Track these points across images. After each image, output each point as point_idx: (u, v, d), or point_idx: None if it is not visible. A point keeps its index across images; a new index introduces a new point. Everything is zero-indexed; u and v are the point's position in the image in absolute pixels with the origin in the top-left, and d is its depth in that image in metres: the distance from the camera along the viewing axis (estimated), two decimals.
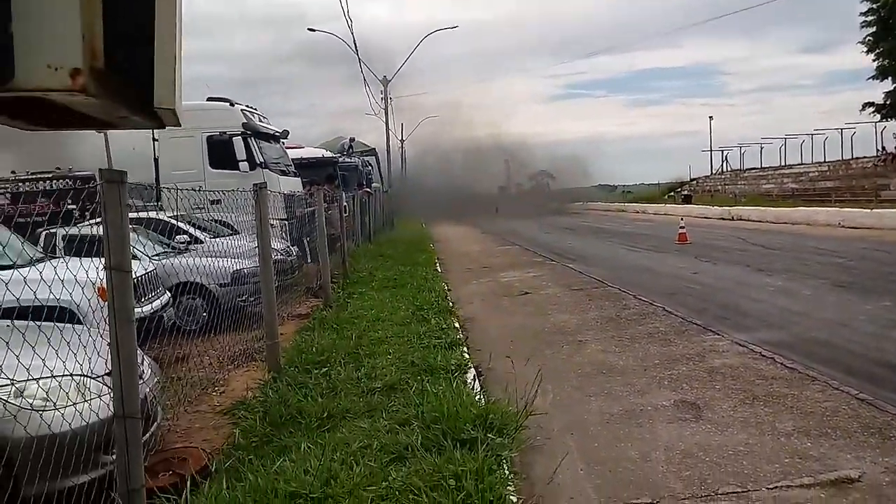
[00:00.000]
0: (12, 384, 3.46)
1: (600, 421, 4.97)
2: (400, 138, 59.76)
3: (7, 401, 3.42)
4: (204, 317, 8.16)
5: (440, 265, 14.92)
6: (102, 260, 5.32)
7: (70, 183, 21.85)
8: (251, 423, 4.64)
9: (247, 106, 15.54)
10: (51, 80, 1.02)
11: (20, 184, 21.56)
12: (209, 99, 15.19)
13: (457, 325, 7.71)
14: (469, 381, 5.34)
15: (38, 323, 3.85)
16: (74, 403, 3.68)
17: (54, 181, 21.76)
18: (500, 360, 6.42)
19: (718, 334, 7.33)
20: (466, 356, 6.18)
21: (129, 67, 1.16)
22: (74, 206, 22.84)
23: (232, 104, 14.85)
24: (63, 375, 3.58)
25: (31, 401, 3.52)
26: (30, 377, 3.46)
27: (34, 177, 21.94)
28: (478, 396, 4.72)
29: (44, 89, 1.03)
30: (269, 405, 4.79)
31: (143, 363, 4.52)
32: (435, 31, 40.80)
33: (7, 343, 3.29)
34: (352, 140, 30.87)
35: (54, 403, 3.59)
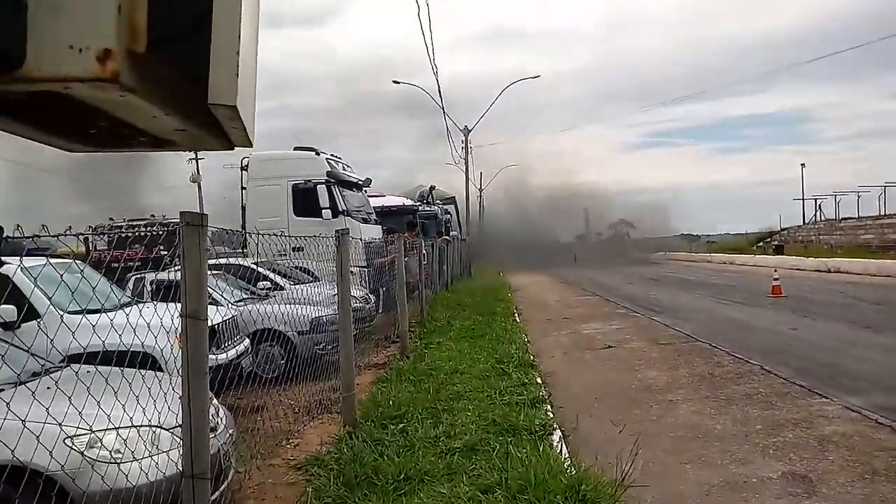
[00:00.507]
0: (91, 432, 3.39)
1: (699, 493, 4.52)
2: (478, 187, 60.13)
3: (82, 452, 3.34)
4: (281, 364, 8.13)
5: (519, 315, 14.57)
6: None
7: (163, 231, 22.98)
8: (324, 481, 4.43)
9: (331, 155, 15.89)
10: (72, 65, 0.74)
11: (117, 230, 22.78)
12: (296, 148, 15.63)
13: (539, 380, 7.35)
14: (555, 443, 4.98)
15: (120, 369, 3.80)
16: (147, 456, 3.58)
17: (147, 228, 22.92)
18: (585, 419, 6.03)
19: (826, 397, 6.69)
20: (551, 415, 5.81)
21: (179, 52, 0.88)
22: (165, 252, 23.82)
23: (317, 153, 15.21)
24: (137, 426, 3.48)
25: (104, 452, 3.43)
26: (108, 426, 3.38)
27: (130, 224, 23.18)
28: (566, 463, 4.36)
29: (62, 78, 0.74)
30: (344, 463, 4.58)
31: (217, 414, 4.41)
32: (516, 81, 41.32)
33: (88, 389, 3.22)
34: (432, 188, 31.17)
35: (132, 454, 3.50)
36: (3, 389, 3.38)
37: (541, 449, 4.57)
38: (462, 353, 8.96)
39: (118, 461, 3.44)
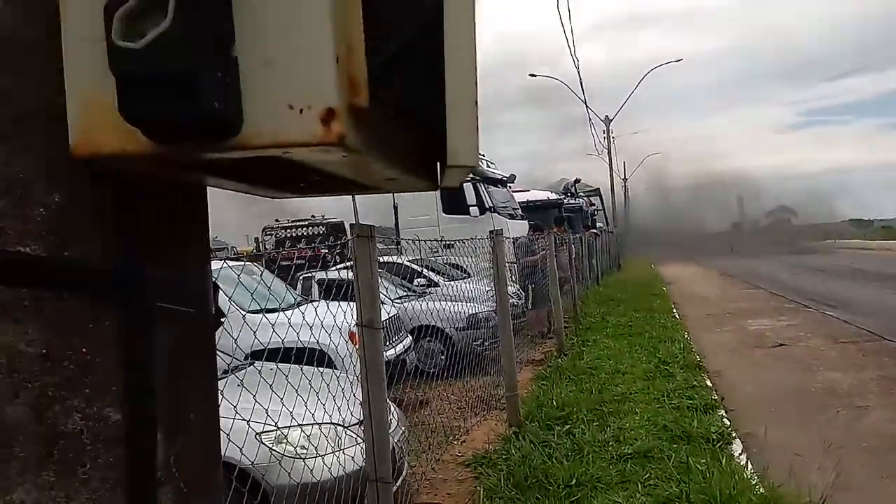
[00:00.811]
0: (277, 429, 3.60)
1: None
2: (623, 177, 58.34)
3: (272, 448, 3.56)
4: (442, 360, 8.31)
5: (677, 310, 13.93)
6: (352, 304, 5.60)
7: (323, 230, 24.30)
8: (494, 481, 4.45)
9: None
10: (293, 129, 0.66)
11: (283, 230, 24.39)
12: None
13: (708, 382, 6.96)
14: (736, 453, 4.68)
15: (300, 366, 4.01)
16: (331, 453, 3.75)
17: (310, 227, 24.34)
18: (763, 426, 5.63)
19: None
20: (727, 422, 5.48)
21: (406, 104, 0.81)
22: (327, 251, 25.22)
23: None
24: (319, 423, 3.67)
25: (291, 447, 3.63)
26: (293, 423, 3.58)
27: (293, 224, 24.71)
28: (753, 478, 4.08)
29: (283, 144, 0.67)
30: (513, 464, 4.58)
31: (389, 411, 4.56)
32: (658, 66, 39.62)
33: (270, 386, 3.43)
34: (576, 181, 30.65)
35: (315, 450, 3.69)
36: None
37: (722, 461, 4.31)
38: (621, 351, 8.70)
39: (304, 457, 3.63)
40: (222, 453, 3.20)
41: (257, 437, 3.55)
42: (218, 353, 3.32)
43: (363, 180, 0.92)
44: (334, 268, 12.43)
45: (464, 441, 5.59)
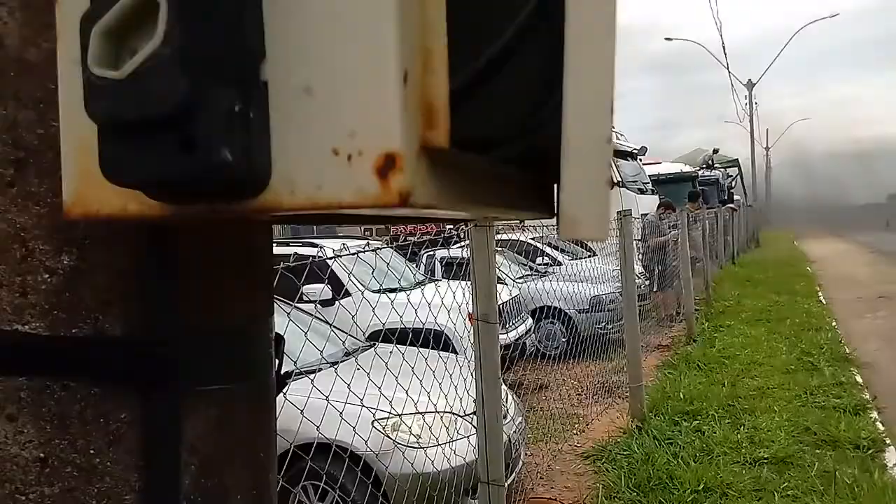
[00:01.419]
0: (389, 417, 3.60)
1: None
2: (765, 146, 54.48)
3: (387, 435, 3.57)
4: (563, 342, 8.12)
5: (823, 293, 12.85)
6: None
7: None
8: (614, 478, 4.27)
9: None
10: (336, 186, 0.44)
11: None
12: None
13: (858, 378, 6.32)
14: (890, 464, 4.20)
15: (418, 349, 3.98)
16: (449, 441, 3.72)
17: None
18: None
19: None
20: (880, 426, 4.94)
21: (505, 143, 0.54)
22: (453, 227, 25.74)
23: None
24: (437, 412, 3.64)
25: (406, 435, 3.63)
26: (409, 410, 3.57)
27: None
28: None
29: (323, 207, 0.44)
30: (635, 462, 4.37)
31: (506, 400, 4.47)
32: (810, 24, 36.39)
33: (391, 372, 3.41)
34: (715, 151, 28.93)
35: (435, 438, 3.67)
36: (321, 369, 3.74)
37: (874, 473, 3.88)
38: (758, 340, 8.11)
39: (420, 446, 3.62)
40: (336, 436, 3.25)
41: (373, 423, 3.58)
42: (336, 332, 3.34)
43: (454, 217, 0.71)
44: (457, 245, 12.43)
45: (583, 431, 5.43)
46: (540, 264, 10.54)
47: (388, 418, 3.62)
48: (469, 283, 5.47)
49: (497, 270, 9.61)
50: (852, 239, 29.80)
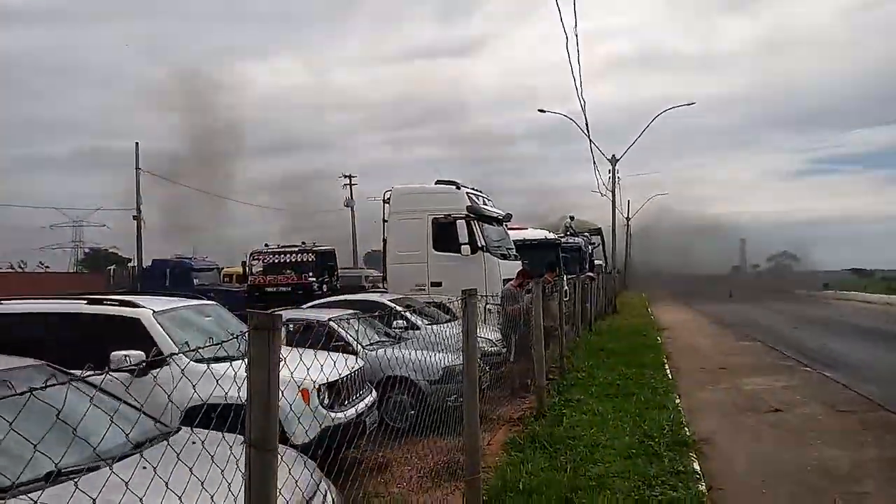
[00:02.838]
0: None
1: None
2: (626, 216, 57.96)
3: None
4: (412, 414, 7.69)
5: (669, 363, 13.30)
6: (318, 355, 4.95)
7: (312, 257, 23.75)
8: None
9: (472, 189, 15.58)
10: None
11: (271, 255, 23.84)
12: (437, 182, 15.46)
13: (696, 466, 6.31)
14: None
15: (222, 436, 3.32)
16: None
17: (300, 254, 23.79)
18: None
19: None
20: None
21: None
22: (314, 279, 24.78)
23: (458, 187, 14.96)
24: None
25: None
26: None
27: (283, 249, 24.18)
28: None
29: None
30: None
31: (323, 501, 3.94)
32: (669, 109, 39.37)
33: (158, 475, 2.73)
34: (571, 218, 30.22)
35: None
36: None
37: None
38: (605, 418, 8.06)
39: None
40: None
41: None
42: (143, 415, 2.59)
43: None
44: (304, 306, 11.82)
45: None
46: (397, 328, 10.15)
47: None
48: (315, 352, 4.88)
49: (347, 335, 9.07)
50: (701, 309, 31.78)
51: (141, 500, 2.59)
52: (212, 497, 2.78)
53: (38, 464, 2.70)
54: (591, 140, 25.92)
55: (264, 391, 2.27)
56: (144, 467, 2.94)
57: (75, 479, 2.69)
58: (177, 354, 4.91)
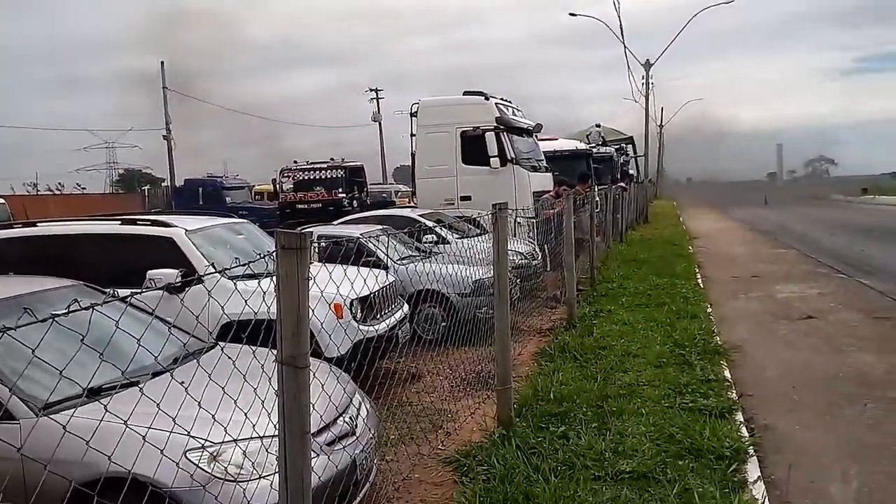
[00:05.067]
0: (203, 448, 3.07)
1: None
2: (659, 123, 56.38)
3: (199, 466, 3.04)
4: (443, 326, 7.80)
5: (701, 273, 13.19)
6: (348, 269, 4.97)
7: (342, 173, 23.69)
8: (470, 495, 3.95)
9: (501, 99, 15.15)
10: None
11: (301, 172, 23.82)
12: (465, 93, 15.04)
13: (727, 374, 6.32)
14: (749, 480, 4.08)
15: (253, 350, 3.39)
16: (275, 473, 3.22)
17: (329, 171, 23.74)
18: (781, 417, 5.21)
19: None
20: (744, 432, 4.86)
21: None
22: (344, 195, 24.83)
23: (486, 98, 14.55)
24: (260, 437, 3.12)
25: (225, 466, 3.12)
26: (226, 438, 3.05)
27: (312, 166, 24.12)
28: None
29: None
30: (492, 478, 4.07)
31: (358, 413, 4.04)
32: (707, 8, 37.48)
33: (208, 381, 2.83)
34: (598, 126, 29.40)
35: (256, 471, 3.16)
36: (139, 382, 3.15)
37: (733, 497, 3.71)
38: (636, 327, 8.07)
39: (241, 479, 3.12)
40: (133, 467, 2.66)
41: (186, 453, 3.04)
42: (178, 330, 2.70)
43: None
44: (335, 222, 11.86)
45: (449, 434, 5.10)
46: (426, 243, 10.16)
47: (200, 449, 3.09)
48: (345, 266, 4.86)
49: (378, 251, 9.09)
50: (735, 216, 31.23)
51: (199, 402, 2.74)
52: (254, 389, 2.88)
53: (104, 372, 2.82)
54: (624, 44, 24.92)
55: (294, 310, 2.27)
56: (182, 381, 3.02)
57: (141, 386, 2.86)
58: (211, 274, 4.97)
